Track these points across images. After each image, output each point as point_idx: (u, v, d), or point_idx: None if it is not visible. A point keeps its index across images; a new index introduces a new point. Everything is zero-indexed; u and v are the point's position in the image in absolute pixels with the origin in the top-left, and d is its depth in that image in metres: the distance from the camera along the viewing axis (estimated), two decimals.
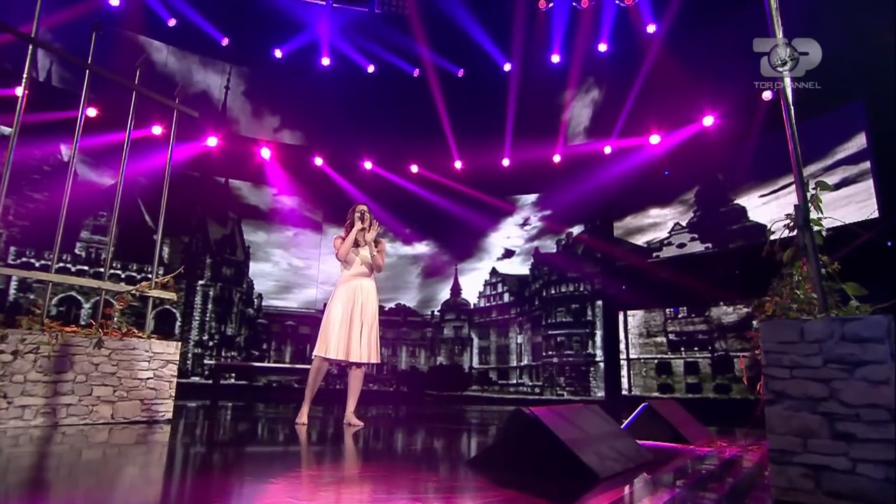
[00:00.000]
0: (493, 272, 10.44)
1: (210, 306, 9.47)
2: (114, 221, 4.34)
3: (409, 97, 10.08)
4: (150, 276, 9.21)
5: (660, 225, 9.08)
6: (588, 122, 10.04)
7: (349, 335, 4.59)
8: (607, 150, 9.45)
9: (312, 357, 4.64)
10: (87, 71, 4.24)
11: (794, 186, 3.31)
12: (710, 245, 8.64)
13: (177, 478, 2.46)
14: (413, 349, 10.38)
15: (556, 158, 9.83)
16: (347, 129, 10.06)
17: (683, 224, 8.87)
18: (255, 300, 9.81)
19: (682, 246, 8.88)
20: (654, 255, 8.97)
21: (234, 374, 9.30)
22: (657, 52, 8.81)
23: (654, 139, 9.06)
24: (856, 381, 1.91)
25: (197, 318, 9.35)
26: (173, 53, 9.52)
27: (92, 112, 8.27)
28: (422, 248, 10.81)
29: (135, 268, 8.98)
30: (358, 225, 4.81)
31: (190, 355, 9.16)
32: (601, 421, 2.92)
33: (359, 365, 4.68)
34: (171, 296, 4.49)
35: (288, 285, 9.97)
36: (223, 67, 9.95)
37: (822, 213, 2.38)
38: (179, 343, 4.39)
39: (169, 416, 4.18)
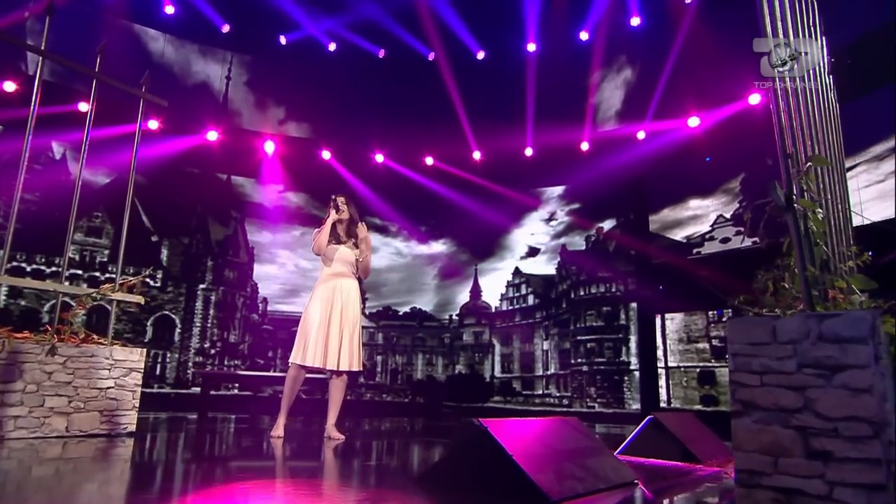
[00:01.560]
0: (517, 272, 10.29)
1: (212, 312, 9.57)
2: (72, 221, 4.36)
3: (423, 83, 10.01)
4: (148, 280, 9.39)
5: (701, 218, 8.79)
6: (620, 106, 9.81)
7: (327, 341, 4.53)
8: (641, 135, 9.21)
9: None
10: (40, 59, 4.27)
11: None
12: (757, 239, 8.30)
13: (136, 496, 2.42)
14: (430, 357, 10.31)
15: (585, 146, 9.62)
16: (357, 119, 10.05)
17: (728, 216, 8.57)
18: (260, 305, 9.88)
19: (726, 241, 8.58)
20: (695, 251, 8.69)
21: (237, 385, 9.37)
22: (695, 24, 8.52)
23: (693, 121, 8.78)
24: (834, 389, 1.74)
25: (198, 324, 9.46)
26: (171, 42, 9.66)
27: (84, 107, 8.44)
28: (438, 246, 10.73)
29: (132, 271, 9.11)
30: (332, 215, 4.75)
31: (190, 364, 9.27)
32: (577, 436, 2.78)
33: (339, 373, 4.62)
34: (138, 299, 4.50)
35: (295, 289, 10.01)
36: (224, 56, 10.06)
37: (812, 191, 2.21)
38: (144, 350, 4.39)
39: (132, 428, 4.18)
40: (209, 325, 9.53)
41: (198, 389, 9.17)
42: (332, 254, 4.77)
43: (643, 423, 3.84)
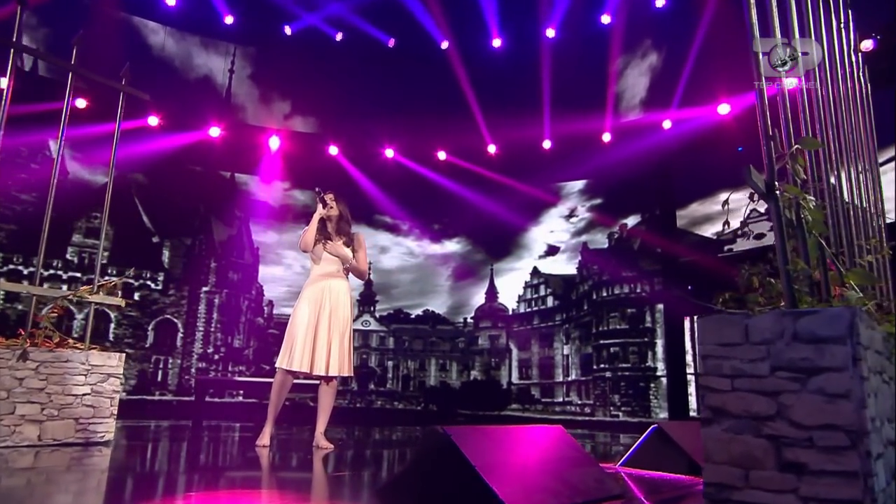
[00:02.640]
0: (535, 272, 10.21)
1: (215, 315, 9.65)
2: (46, 220, 4.40)
3: (436, 74, 9.97)
4: (149, 283, 9.51)
5: (733, 212, 8.61)
6: (644, 94, 9.68)
7: (314, 345, 4.50)
8: (667, 124, 9.07)
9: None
10: (12, 51, 4.32)
11: None
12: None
13: None
14: (443, 362, 10.28)
15: (606, 137, 9.49)
16: (366, 112, 10.06)
17: (761, 210, 8.38)
18: (266, 308, 9.94)
19: (760, 237, 8.39)
20: (727, 248, 8.52)
21: (241, 392, 9.43)
22: (723, 2, 8.35)
23: (724, 108, 8.61)
24: (809, 394, 1.64)
25: (201, 328, 9.55)
26: (171, 35, 9.76)
27: (81, 103, 8.56)
28: (452, 245, 10.69)
29: (132, 274, 9.25)
30: (319, 210, 4.73)
31: (193, 370, 9.36)
32: (558, 446, 2.70)
33: (329, 379, 4.59)
34: (118, 302, 4.52)
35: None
36: (227, 49, 10.13)
37: (801, 176, 2.12)
38: (123, 355, 4.41)
39: (109, 436, 4.20)
40: (213, 329, 9.61)
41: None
42: (320, 252, 4.74)
43: (647, 433, 3.74)
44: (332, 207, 4.79)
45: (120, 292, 4.62)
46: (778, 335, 1.71)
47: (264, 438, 4.48)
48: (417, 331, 10.27)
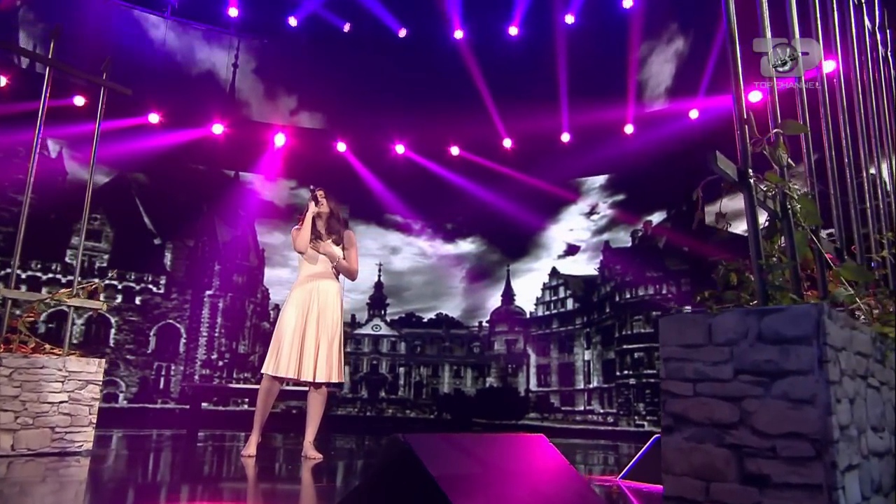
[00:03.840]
0: (554, 273, 10.12)
1: (219, 320, 9.73)
2: (23, 220, 4.46)
3: (448, 65, 9.96)
4: (151, 286, 9.62)
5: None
6: (670, 81, 9.55)
7: (301, 349, 4.50)
8: (694, 114, 8.93)
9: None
10: None
11: None
12: (833, 231, 7.95)
13: None
14: (457, 368, 10.24)
15: (629, 129, 9.38)
16: (375, 106, 10.07)
17: None
18: (272, 312, 9.98)
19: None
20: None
21: (247, 400, 9.49)
22: None
23: (755, 95, 8.43)
24: (773, 399, 1.58)
25: (204, 333, 9.63)
26: (172, 29, 9.87)
27: (80, 101, 8.69)
28: (466, 245, 10.65)
29: (133, 277, 9.37)
30: (312, 208, 4.73)
31: (197, 378, 9.44)
32: (538, 456, 2.65)
33: (317, 385, 4.59)
34: (98, 305, 4.56)
35: None
36: (230, 42, 10.21)
37: (782, 163, 2.07)
38: (103, 360, 4.45)
39: (88, 446, 4.24)
40: (216, 334, 9.69)
41: (206, 405, 9.34)
42: (310, 251, 4.75)
43: (648, 443, 3.67)
44: (322, 205, 4.80)
45: (102, 295, 4.66)
46: (742, 335, 1.65)
47: (250, 448, 4.50)
48: (430, 335, 10.24)
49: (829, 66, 8.61)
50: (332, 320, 4.63)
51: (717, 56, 8.72)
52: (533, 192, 9.91)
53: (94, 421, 4.28)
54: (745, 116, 2.02)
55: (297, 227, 4.85)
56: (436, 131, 10.05)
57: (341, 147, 10.11)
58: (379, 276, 10.44)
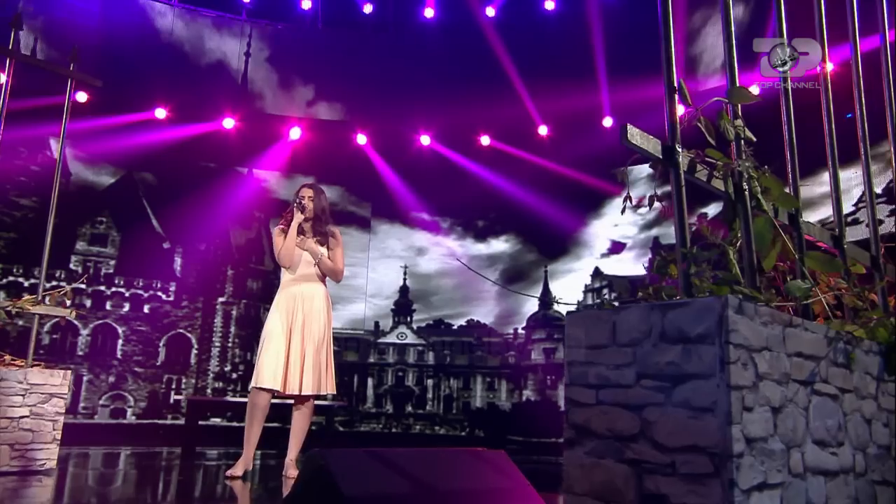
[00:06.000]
0: (597, 273, 9.94)
1: (233, 329, 9.88)
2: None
3: (478, 47, 9.91)
4: (160, 293, 9.83)
5: (844, 193, 8.17)
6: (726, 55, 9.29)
7: (287, 360, 4.54)
8: (754, 90, 8.67)
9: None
10: None
11: None
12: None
13: None
14: (491, 380, 10.15)
15: (680, 110, 9.15)
16: (398, 95, 10.10)
17: (878, 191, 7.92)
18: None
19: (877, 223, 7.93)
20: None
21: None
22: None
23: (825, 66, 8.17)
24: (674, 407, 1.51)
25: (217, 343, 9.79)
26: (180, 17, 10.08)
27: (82, 97, 8.95)
28: (499, 244, 10.55)
29: (141, 284, 9.59)
30: (297, 216, 4.77)
31: (209, 391, 9.61)
32: (488, 473, 2.61)
33: (303, 399, 4.61)
34: (64, 313, 4.68)
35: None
36: (242, 29, 10.38)
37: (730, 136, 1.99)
38: (69, 372, 4.56)
39: (51, 464, 4.34)
40: (230, 344, 9.84)
41: (218, 420, 9.51)
42: (297, 256, 4.80)
43: None
44: (308, 210, 4.83)
45: (69, 301, 4.78)
46: (645, 334, 1.58)
47: (237, 468, 4.51)
48: (461, 344, 10.17)
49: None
50: (318, 327, 4.67)
51: (781, 21, 8.45)
52: (572, 184, 9.75)
53: (59, 437, 4.38)
54: (675, 85, 1.94)
55: (280, 224, 4.90)
56: (464, 120, 10.00)
57: (361, 139, 10.15)
58: (404, 279, 10.43)
